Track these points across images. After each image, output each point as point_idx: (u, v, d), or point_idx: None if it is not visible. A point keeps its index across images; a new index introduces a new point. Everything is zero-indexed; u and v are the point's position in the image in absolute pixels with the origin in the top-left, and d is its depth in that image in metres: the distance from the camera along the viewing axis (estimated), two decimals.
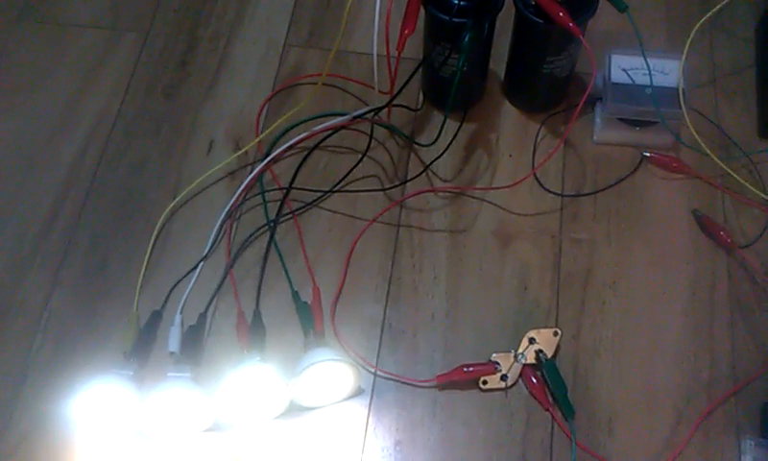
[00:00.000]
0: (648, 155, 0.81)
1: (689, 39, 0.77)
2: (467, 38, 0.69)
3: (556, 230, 0.77)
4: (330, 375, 0.66)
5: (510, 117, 0.84)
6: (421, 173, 0.79)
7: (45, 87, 0.86)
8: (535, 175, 0.79)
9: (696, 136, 0.78)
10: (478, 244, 0.76)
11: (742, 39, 0.88)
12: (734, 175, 0.79)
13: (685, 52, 0.76)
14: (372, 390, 0.70)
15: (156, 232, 0.76)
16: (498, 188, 0.79)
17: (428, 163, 0.79)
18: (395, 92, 0.75)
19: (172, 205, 0.77)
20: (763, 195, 0.79)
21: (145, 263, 0.74)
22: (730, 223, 0.78)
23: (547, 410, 0.69)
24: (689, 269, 0.76)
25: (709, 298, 0.74)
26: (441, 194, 0.79)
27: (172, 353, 0.68)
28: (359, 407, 0.69)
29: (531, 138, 0.82)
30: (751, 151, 0.81)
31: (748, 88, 0.85)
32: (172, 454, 0.67)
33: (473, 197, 0.79)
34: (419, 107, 0.82)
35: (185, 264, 0.74)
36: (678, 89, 0.76)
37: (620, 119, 0.81)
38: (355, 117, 0.80)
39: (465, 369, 0.69)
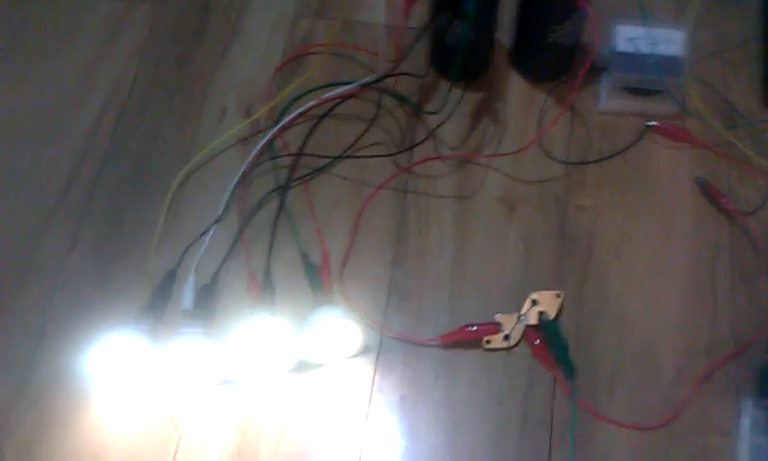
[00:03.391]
0: (653, 124, 0.82)
1: (693, 8, 0.77)
2: (471, 6, 0.71)
3: (561, 196, 0.79)
4: (337, 332, 0.68)
5: (516, 86, 0.86)
6: (426, 138, 0.81)
7: (63, 56, 0.88)
8: (540, 142, 0.80)
9: (701, 106, 0.79)
10: (484, 210, 0.78)
11: (749, 11, 0.89)
12: (739, 144, 0.80)
13: (688, 20, 0.77)
14: (379, 348, 0.71)
15: (170, 196, 0.78)
16: (504, 155, 0.80)
17: (433, 128, 0.79)
18: (400, 59, 0.76)
19: (186, 169, 0.79)
20: (767, 164, 0.79)
21: (160, 225, 0.76)
22: (733, 191, 0.79)
23: (549, 370, 0.70)
24: (692, 236, 0.77)
25: (711, 264, 0.75)
26: (447, 161, 0.81)
27: (185, 310, 0.70)
28: (365, 364, 0.71)
29: (537, 107, 0.84)
30: (755, 120, 0.81)
31: (754, 59, 0.86)
32: (184, 406, 0.69)
33: (479, 164, 0.81)
34: (425, 74, 0.83)
35: (199, 227, 0.76)
36: (681, 58, 0.77)
37: (625, 88, 0.82)
38: (362, 85, 0.81)
39: (468, 328, 0.71)
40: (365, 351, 0.71)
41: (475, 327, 0.71)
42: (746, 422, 0.68)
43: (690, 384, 0.69)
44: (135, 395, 0.69)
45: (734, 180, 0.80)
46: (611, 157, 0.81)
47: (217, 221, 0.75)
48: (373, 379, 0.70)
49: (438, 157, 0.81)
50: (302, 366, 0.70)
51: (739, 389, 0.69)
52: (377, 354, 0.71)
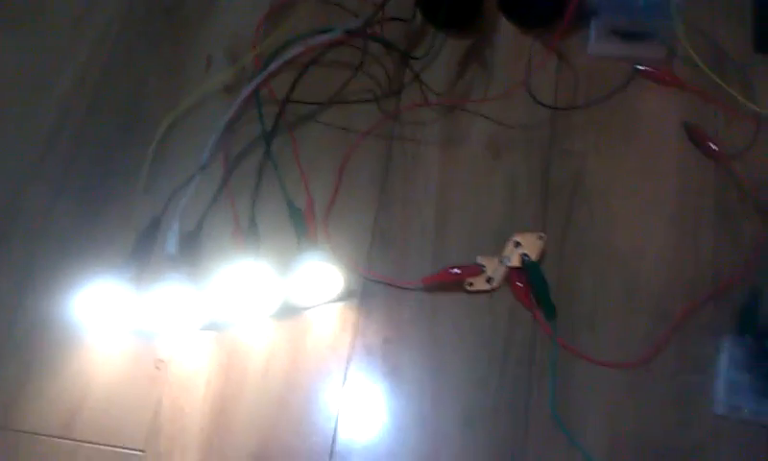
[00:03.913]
0: (641, 68, 0.81)
1: None
2: None
3: (546, 141, 0.78)
4: (320, 276, 0.69)
5: (505, 32, 0.85)
6: (412, 83, 0.81)
7: (50, 7, 0.88)
8: (527, 87, 0.80)
9: (689, 49, 0.78)
10: (469, 156, 0.78)
11: None
12: (727, 87, 0.79)
13: None
14: (362, 292, 0.72)
15: (155, 144, 0.78)
16: (490, 100, 0.79)
17: (418, 74, 0.79)
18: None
19: (171, 117, 0.80)
20: (754, 107, 0.78)
21: (145, 173, 0.77)
22: (720, 135, 0.79)
23: (530, 310, 0.70)
24: (677, 178, 0.77)
25: (696, 206, 0.75)
26: (434, 107, 0.81)
27: (170, 256, 0.70)
28: (349, 308, 0.72)
29: (525, 53, 0.83)
30: (744, 63, 0.80)
31: (744, 2, 0.85)
32: (169, 350, 0.70)
33: (466, 110, 0.81)
34: (411, 17, 0.83)
35: (184, 174, 0.77)
36: (670, 1, 0.76)
37: (614, 32, 0.81)
38: (348, 31, 0.81)
39: (451, 271, 0.71)
40: (348, 294, 0.71)
41: (458, 270, 0.71)
42: (724, 359, 0.68)
43: (670, 323, 0.69)
44: (121, 339, 0.70)
45: (722, 124, 0.79)
46: (598, 101, 0.80)
47: (202, 168, 0.76)
48: (357, 322, 0.71)
49: (424, 104, 0.80)
50: (287, 309, 0.71)
51: (718, 327, 0.69)
52: (360, 298, 0.72)
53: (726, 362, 0.68)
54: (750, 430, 0.66)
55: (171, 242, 0.71)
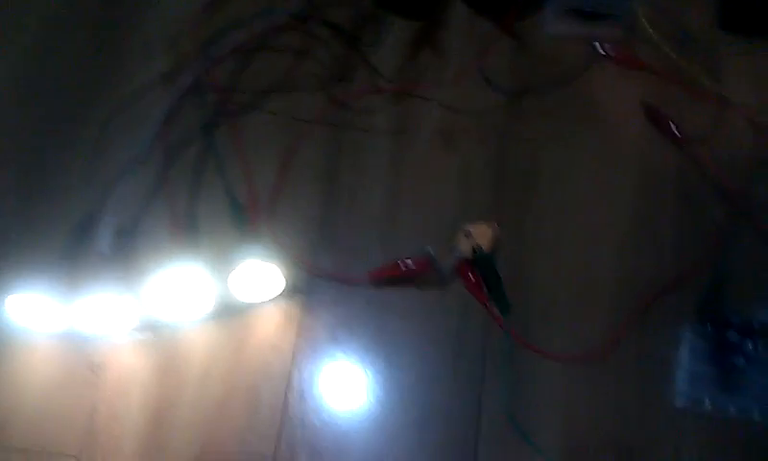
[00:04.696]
0: (600, 49, 0.78)
1: None
2: None
3: (502, 128, 0.76)
4: (263, 272, 0.66)
5: (460, 15, 0.82)
6: (361, 69, 0.78)
7: None
8: (482, 72, 0.77)
9: (649, 28, 0.76)
10: (421, 144, 0.76)
11: None
12: (690, 68, 0.76)
13: None
14: (308, 289, 0.69)
15: (92, 137, 0.76)
16: (443, 85, 0.77)
17: (367, 57, 0.76)
18: None
19: (109, 109, 0.77)
20: (719, 88, 0.76)
21: (82, 166, 0.73)
22: (683, 118, 0.75)
23: (482, 304, 0.68)
24: (637, 164, 0.74)
25: (656, 192, 0.73)
26: (384, 94, 0.78)
27: (103, 254, 0.68)
28: (294, 305, 0.69)
29: (481, 37, 0.80)
30: (708, 42, 0.77)
31: None
32: (105, 354, 0.68)
33: (418, 96, 0.78)
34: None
35: (122, 168, 0.74)
36: None
37: (571, 11, 0.78)
38: (294, 15, 0.78)
39: (399, 264, 0.68)
40: (293, 291, 0.69)
41: (406, 263, 0.68)
42: (685, 351, 0.66)
43: (630, 315, 0.67)
44: (54, 343, 0.68)
45: (684, 106, 0.76)
46: (555, 85, 0.77)
47: (139, 161, 0.72)
48: (302, 320, 0.68)
49: (374, 91, 0.77)
50: (228, 309, 0.68)
51: (679, 317, 0.67)
52: (306, 294, 0.69)
53: (687, 354, 0.66)
54: (712, 424, 0.63)
55: (104, 241, 0.68)
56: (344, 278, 0.69)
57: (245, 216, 0.70)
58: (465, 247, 0.69)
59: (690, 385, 0.65)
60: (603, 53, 0.78)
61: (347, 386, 0.66)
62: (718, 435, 0.63)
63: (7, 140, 0.77)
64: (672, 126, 0.75)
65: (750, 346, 0.62)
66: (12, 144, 0.77)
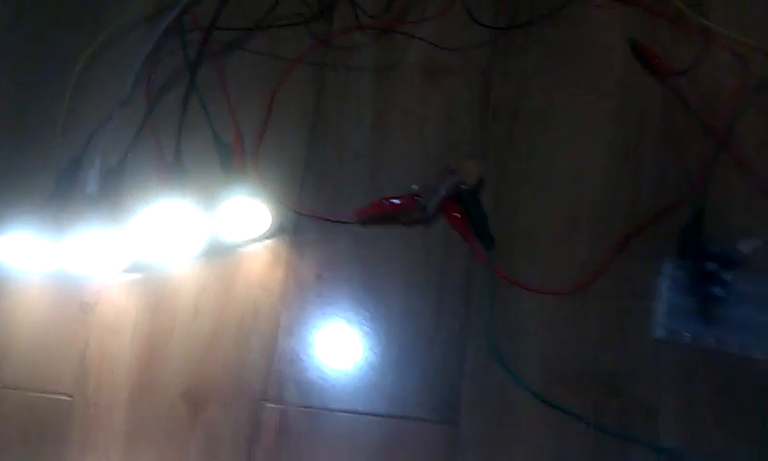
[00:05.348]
0: None
1: None
2: None
3: (486, 63, 0.75)
4: (249, 211, 0.67)
5: None
6: (343, 5, 0.77)
7: None
8: (467, 8, 0.76)
9: None
10: (405, 81, 0.75)
11: None
12: (674, 1, 0.75)
13: None
14: (294, 228, 0.70)
15: (74, 80, 0.75)
16: (427, 20, 0.76)
17: None
18: None
19: (89, 51, 0.76)
20: (703, 20, 0.75)
21: (64, 110, 0.73)
22: (667, 52, 0.75)
23: (468, 241, 0.68)
24: (622, 98, 0.74)
25: (639, 127, 0.73)
26: (367, 31, 0.77)
27: (91, 195, 0.68)
28: (281, 244, 0.70)
29: None
30: None
31: None
32: (95, 293, 0.69)
33: (402, 32, 0.77)
34: None
35: (105, 111, 0.74)
36: None
37: None
38: None
39: (385, 201, 0.69)
40: (280, 230, 0.69)
41: (392, 200, 0.69)
42: (665, 282, 0.67)
43: (610, 248, 0.68)
44: (44, 283, 0.69)
45: (668, 39, 0.76)
46: (540, 19, 0.77)
47: (122, 104, 0.72)
48: (289, 259, 0.69)
49: (357, 28, 0.77)
50: (216, 248, 0.69)
51: (660, 251, 0.68)
52: (292, 233, 0.70)
53: (667, 286, 0.67)
54: (690, 355, 0.65)
55: (92, 182, 0.68)
56: (330, 216, 0.70)
57: (231, 156, 0.70)
58: (449, 184, 0.69)
59: (670, 317, 0.66)
60: None
61: (333, 323, 0.67)
62: (696, 366, 0.65)
63: None
64: (656, 60, 0.74)
65: (728, 276, 0.63)
66: None
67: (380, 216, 0.69)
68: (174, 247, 0.67)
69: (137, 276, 0.68)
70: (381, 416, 0.64)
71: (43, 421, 0.65)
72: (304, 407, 0.64)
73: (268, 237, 0.69)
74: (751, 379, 0.64)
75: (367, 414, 0.64)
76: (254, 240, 0.69)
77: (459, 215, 0.70)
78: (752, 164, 0.70)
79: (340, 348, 0.66)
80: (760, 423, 0.63)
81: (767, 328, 0.65)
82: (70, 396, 0.65)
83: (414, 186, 0.69)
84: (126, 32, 0.78)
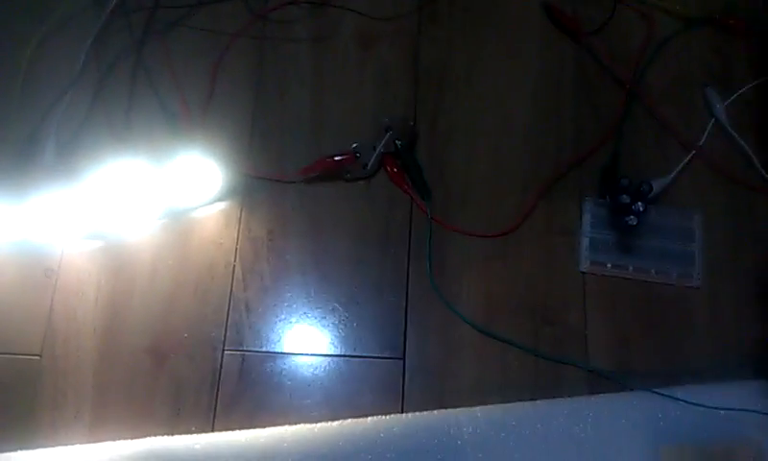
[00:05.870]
0: None
1: None
2: None
3: (414, 30, 0.81)
4: (200, 173, 0.71)
5: None
6: None
7: None
8: None
9: None
10: (340, 50, 0.80)
11: None
12: None
13: None
14: (244, 189, 0.74)
15: (27, 59, 0.78)
16: None
17: None
18: None
19: (40, 33, 0.79)
20: None
21: (18, 91, 0.77)
22: (578, 12, 0.82)
23: (406, 193, 0.74)
24: (539, 58, 0.81)
25: (557, 82, 0.80)
26: (303, 5, 0.82)
27: (48, 165, 0.71)
28: (232, 205, 0.74)
29: None
30: None
31: None
32: (57, 259, 0.72)
33: (335, 6, 0.82)
34: None
35: (59, 88, 0.77)
36: None
37: None
38: None
39: (327, 159, 0.74)
40: (231, 193, 0.74)
41: (333, 158, 0.73)
42: (587, 218, 0.73)
43: (536, 192, 0.74)
44: (6, 251, 0.71)
45: (579, 1, 0.82)
46: None
47: (74, 81, 0.76)
48: (240, 217, 0.73)
49: (292, 2, 0.81)
50: (170, 212, 0.73)
51: (582, 191, 0.75)
52: (243, 195, 0.74)
53: (588, 222, 0.74)
54: (613, 284, 0.72)
55: (49, 152, 0.71)
56: (277, 176, 0.74)
57: (178, 124, 0.74)
58: (387, 141, 0.74)
59: (592, 251, 0.72)
60: None
61: (286, 274, 0.72)
62: (618, 293, 0.72)
63: None
64: (569, 20, 0.81)
65: (640, 207, 0.70)
66: None
67: (324, 173, 0.74)
68: (130, 211, 0.71)
69: (98, 241, 0.71)
70: (334, 356, 0.69)
71: (14, 380, 0.67)
72: (263, 352, 0.68)
73: (220, 199, 0.73)
74: (669, 301, 0.71)
75: (321, 355, 0.69)
76: (207, 202, 0.73)
77: (397, 170, 0.75)
78: (658, 110, 0.77)
79: (291, 296, 0.71)
80: (674, 339, 0.70)
81: (677, 255, 0.72)
82: (38, 355, 0.68)
83: (354, 144, 0.74)
84: (76, 13, 0.80)
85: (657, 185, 0.73)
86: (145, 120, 0.76)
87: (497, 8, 0.82)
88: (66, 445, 0.65)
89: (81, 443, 0.65)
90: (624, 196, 0.70)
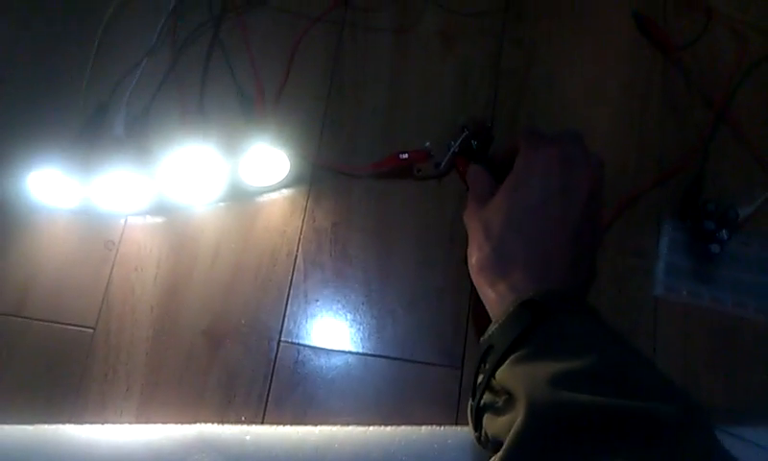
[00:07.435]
0: None
1: None
2: None
3: (498, 29, 0.78)
4: (269, 159, 0.69)
5: None
6: None
7: None
8: None
9: None
10: (421, 43, 0.78)
11: None
12: None
13: None
14: (311, 178, 0.72)
15: (100, 30, 0.77)
16: None
17: None
18: None
19: (116, 2, 0.78)
20: None
21: (91, 60, 0.76)
22: (669, 25, 0.79)
23: None
24: (626, 68, 0.78)
25: (643, 95, 0.76)
26: None
27: (118, 137, 0.70)
28: (298, 193, 0.72)
29: None
30: None
31: None
32: (119, 232, 0.71)
33: None
34: None
35: (131, 60, 0.76)
36: None
37: None
38: None
39: (399, 156, 0.71)
40: (298, 180, 0.72)
41: (406, 155, 0.71)
42: (665, 242, 0.70)
43: (613, 208, 0.71)
44: (70, 221, 0.71)
45: (671, 13, 0.80)
46: None
47: (149, 53, 0.75)
48: (306, 207, 0.71)
49: None
50: (236, 194, 0.71)
51: (661, 213, 0.72)
52: (310, 183, 0.72)
53: (666, 246, 0.70)
54: (686, 311, 0.69)
55: (119, 124, 0.70)
56: (346, 168, 0.72)
57: (252, 108, 0.73)
58: (462, 142, 0.72)
59: (668, 275, 0.69)
60: None
61: (347, 268, 0.70)
62: (693, 321, 0.69)
63: (17, 33, 0.78)
64: (660, 33, 0.78)
65: (725, 235, 0.66)
66: (23, 38, 0.78)
67: (395, 170, 0.71)
68: (197, 190, 0.69)
69: (161, 217, 0.70)
70: (391, 358, 0.66)
71: (65, 351, 0.67)
72: (318, 347, 0.67)
73: (286, 186, 0.72)
74: (743, 336, 0.67)
75: (377, 356, 0.67)
76: (273, 188, 0.72)
77: None
78: (747, 134, 0.73)
79: (352, 293, 0.69)
80: (749, 377, 0.66)
81: (759, 288, 0.68)
82: (92, 328, 0.67)
83: (427, 143, 0.72)
84: None
85: (741, 212, 0.69)
86: (218, 101, 0.75)
87: (587, 13, 0.80)
88: (114, 423, 0.63)
89: (129, 422, 0.63)
90: (709, 222, 0.66)
